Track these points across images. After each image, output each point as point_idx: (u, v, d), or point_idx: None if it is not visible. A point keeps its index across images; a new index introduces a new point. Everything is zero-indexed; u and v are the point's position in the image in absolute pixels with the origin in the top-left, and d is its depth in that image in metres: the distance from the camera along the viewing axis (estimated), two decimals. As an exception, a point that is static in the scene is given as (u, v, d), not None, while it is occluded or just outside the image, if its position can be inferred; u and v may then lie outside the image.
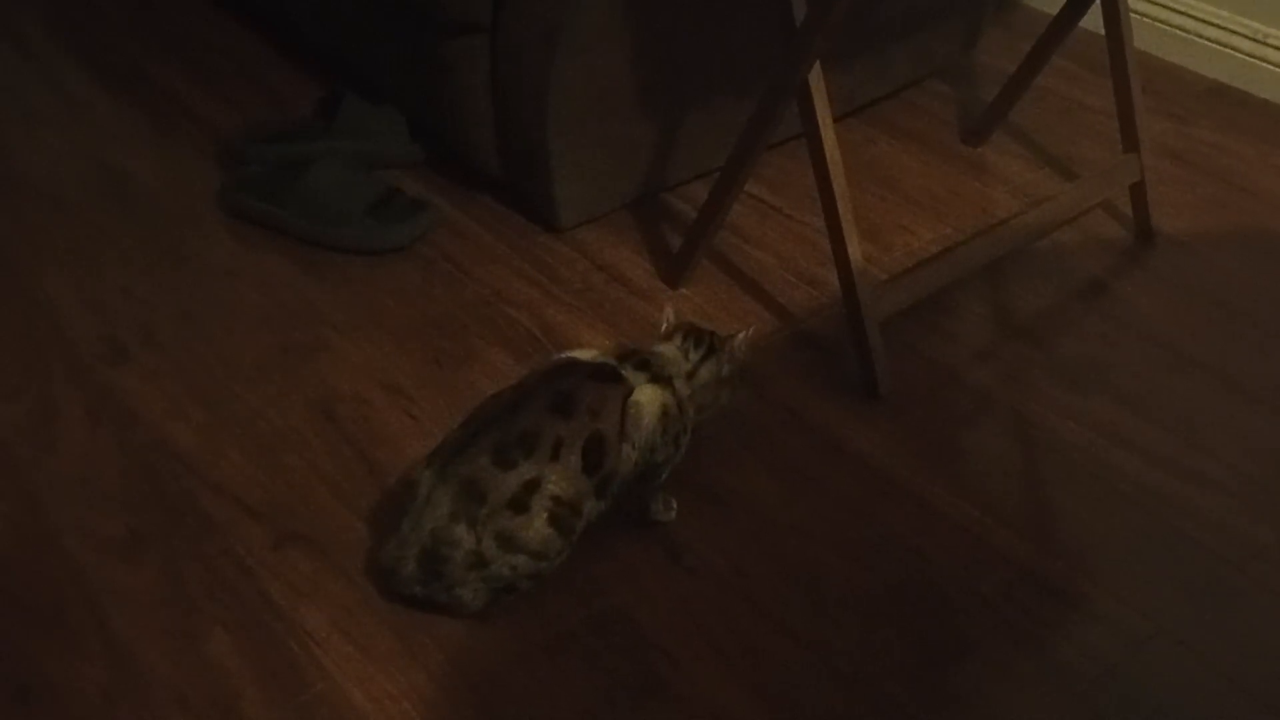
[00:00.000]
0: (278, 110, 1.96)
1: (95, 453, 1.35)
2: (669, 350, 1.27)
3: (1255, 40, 2.12)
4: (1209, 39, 2.18)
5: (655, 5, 1.58)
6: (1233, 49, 2.15)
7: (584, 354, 1.24)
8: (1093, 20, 1.69)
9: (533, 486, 1.13)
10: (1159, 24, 2.22)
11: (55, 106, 1.97)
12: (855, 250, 1.43)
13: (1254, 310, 1.65)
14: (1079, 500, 1.36)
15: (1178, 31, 2.21)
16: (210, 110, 1.95)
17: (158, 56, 2.09)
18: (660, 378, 1.23)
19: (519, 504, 1.12)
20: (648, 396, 1.20)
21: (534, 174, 1.66)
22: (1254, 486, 1.38)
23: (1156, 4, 2.22)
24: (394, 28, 1.77)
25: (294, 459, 1.36)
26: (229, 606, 1.19)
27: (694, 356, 1.27)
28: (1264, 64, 2.12)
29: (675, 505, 1.30)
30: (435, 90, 1.72)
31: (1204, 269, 1.72)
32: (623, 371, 1.21)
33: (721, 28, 1.67)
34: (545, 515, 1.14)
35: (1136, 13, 2.19)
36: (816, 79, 1.38)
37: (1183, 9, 2.20)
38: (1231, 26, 2.14)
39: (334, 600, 1.20)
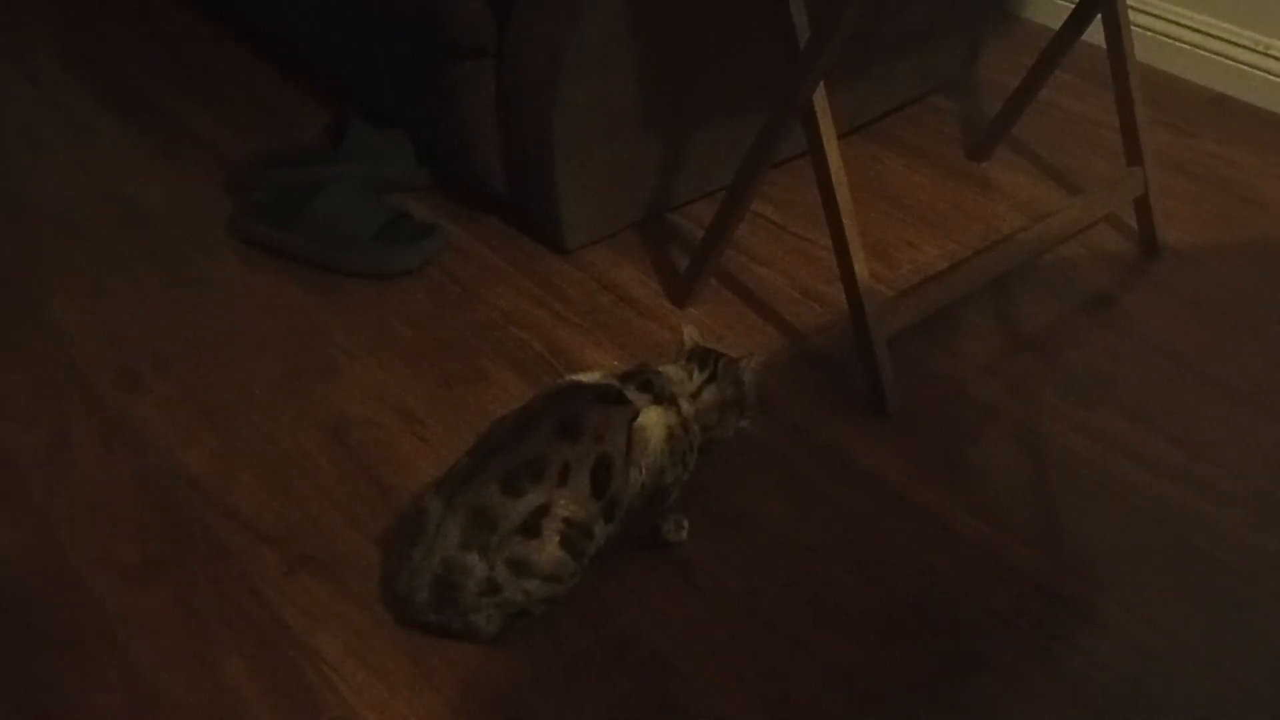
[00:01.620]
0: (285, 135, 1.98)
1: (109, 480, 1.36)
2: (673, 370, 1.28)
3: (1257, 51, 2.13)
4: (1211, 50, 2.18)
5: (659, 26, 1.59)
6: (1234, 60, 2.16)
7: (587, 376, 1.25)
8: (1094, 33, 1.70)
9: (542, 511, 1.13)
10: (1161, 36, 2.23)
11: (64, 133, 1.98)
12: (861, 268, 1.44)
13: (1260, 321, 1.65)
14: (1089, 514, 1.36)
15: (1179, 44, 2.22)
16: (218, 136, 1.97)
17: (166, 83, 2.11)
18: (663, 398, 1.23)
19: (530, 529, 1.13)
20: (652, 420, 1.21)
21: (540, 195, 1.67)
22: (1264, 498, 1.38)
23: (1158, 16, 2.23)
24: (399, 52, 1.78)
25: (306, 483, 1.36)
26: (243, 632, 1.20)
27: (698, 377, 1.27)
28: (1266, 75, 2.12)
29: (686, 526, 1.30)
30: (441, 113, 1.73)
31: (1209, 280, 1.72)
32: (626, 393, 1.22)
33: (725, 48, 1.68)
34: (557, 538, 1.14)
35: (1138, 26, 2.20)
36: (821, 99, 1.39)
37: (1184, 21, 2.21)
38: (1233, 38, 2.15)
39: (348, 625, 1.21)
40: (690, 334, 1.32)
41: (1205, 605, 1.26)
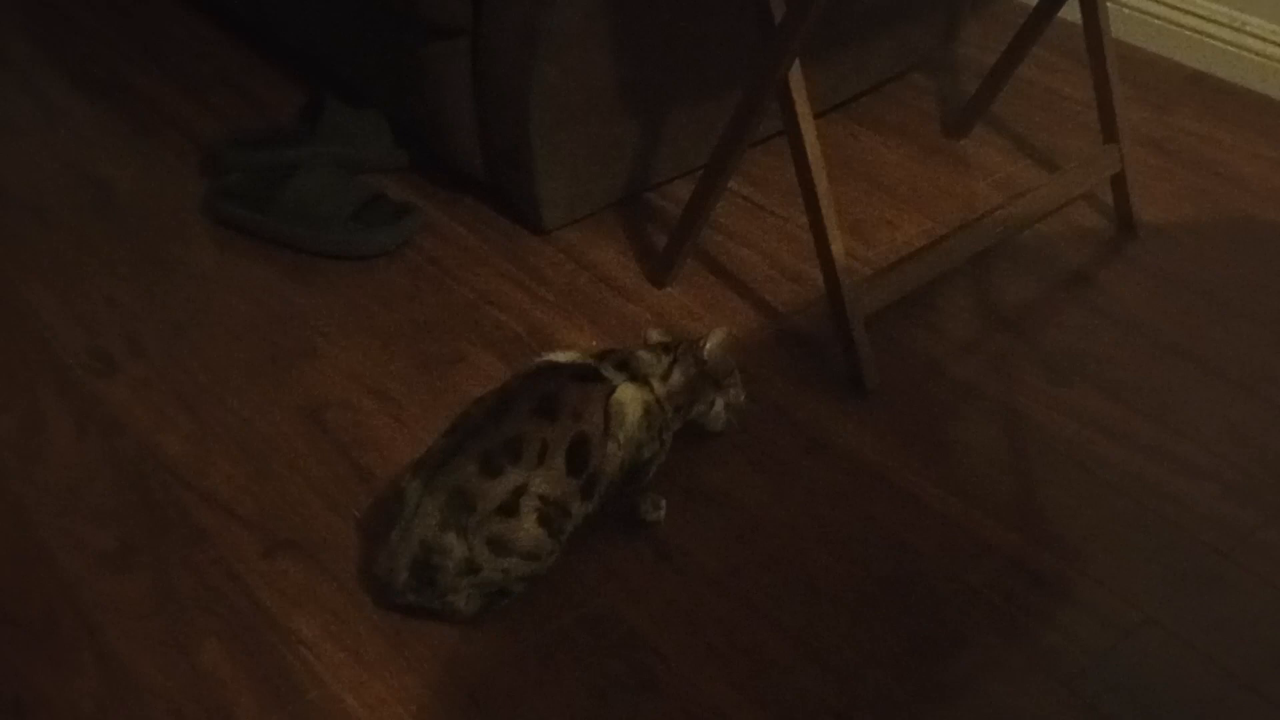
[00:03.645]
0: (260, 116, 1.96)
1: (84, 464, 1.35)
2: (646, 353, 1.28)
3: (1233, 28, 2.13)
4: (1187, 27, 2.19)
5: (635, 5, 1.59)
6: (1211, 37, 2.16)
7: (563, 356, 1.25)
8: (1072, 10, 1.70)
9: (521, 491, 1.13)
10: (1137, 13, 2.23)
11: (36, 116, 1.96)
12: (838, 246, 1.44)
13: (1236, 298, 1.66)
14: (1065, 490, 1.37)
15: (1156, 20, 2.22)
16: (192, 117, 1.95)
17: (138, 64, 2.09)
18: (638, 377, 1.24)
19: (508, 508, 1.13)
20: (629, 395, 1.21)
21: (517, 176, 1.66)
22: (1238, 472, 1.39)
23: (1135, -7, 2.23)
24: (375, 31, 1.77)
25: (283, 466, 1.36)
26: (221, 615, 1.20)
27: (665, 359, 1.28)
28: (1242, 51, 2.13)
29: (664, 504, 1.30)
30: (417, 93, 1.72)
31: (1186, 258, 1.73)
32: (603, 371, 1.22)
33: (701, 26, 1.67)
34: (535, 516, 1.14)
35: (1115, 2, 2.20)
36: (796, 76, 1.39)
37: (1161, -2, 2.21)
38: (1209, 14, 2.15)
39: (326, 607, 1.21)
40: (654, 335, 1.33)
41: (1178, 579, 1.27)
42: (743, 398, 1.35)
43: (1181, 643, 1.20)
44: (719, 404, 1.32)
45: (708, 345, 1.28)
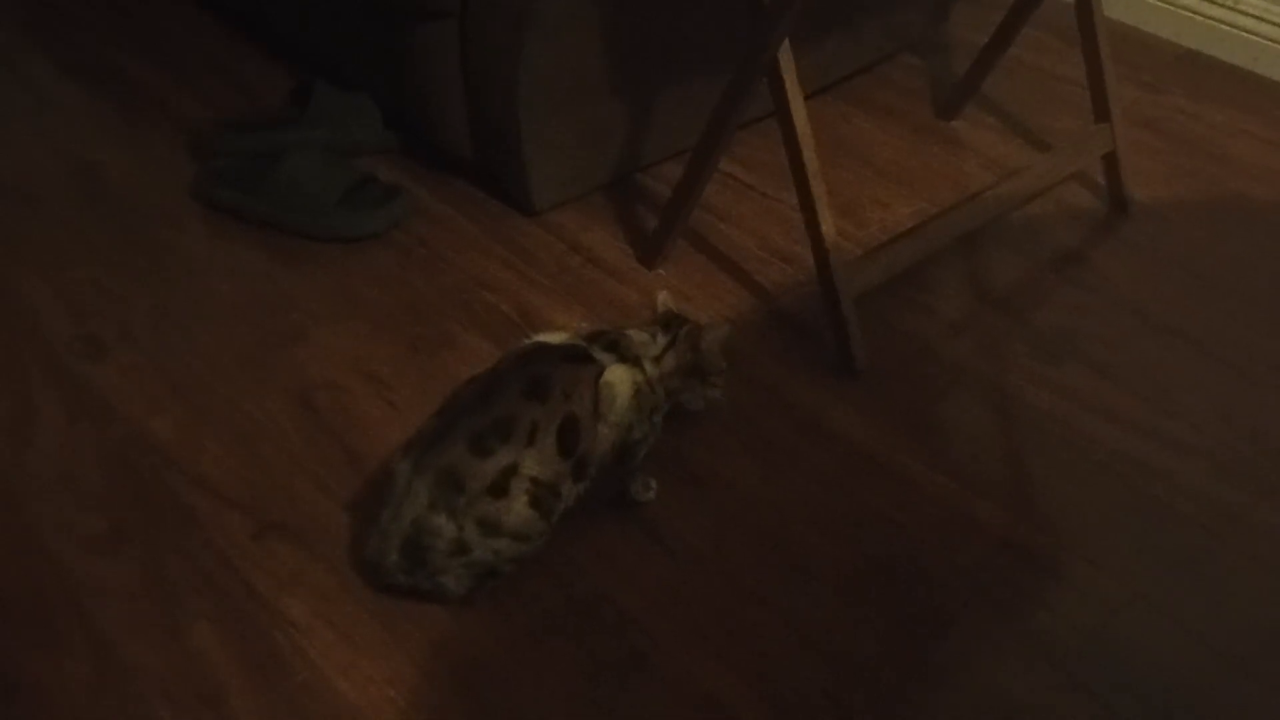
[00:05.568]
0: (249, 101, 1.95)
1: (74, 449, 1.35)
2: (638, 334, 1.28)
3: (1225, 6, 2.13)
4: (1179, 6, 2.18)
5: (624, -14, 1.58)
6: (1203, 15, 2.15)
7: (553, 337, 1.25)
8: (1062, -10, 1.69)
9: (511, 471, 1.13)
10: (1130, -8, 2.23)
11: (26, 103, 1.95)
12: (829, 227, 1.43)
13: (1226, 277, 1.66)
14: (1055, 469, 1.37)
15: (1148, -1, 2.22)
16: (182, 103, 1.94)
17: (128, 51, 2.08)
18: (628, 358, 1.24)
19: (498, 489, 1.13)
20: (619, 376, 1.21)
21: (507, 158, 1.66)
22: (1227, 451, 1.39)
23: (1127, -28, 2.23)
24: (364, 15, 1.76)
25: (273, 449, 1.36)
26: (211, 598, 1.20)
27: (662, 340, 1.28)
28: (1234, 29, 2.12)
29: (654, 485, 1.30)
30: (406, 76, 1.71)
31: (1177, 237, 1.73)
32: (593, 352, 1.22)
33: (691, 8, 1.67)
34: (525, 497, 1.14)
35: (1107, -19, 2.20)
36: (786, 57, 1.38)
37: (1153, -23, 2.20)
38: (1201, -7, 2.15)
39: (316, 589, 1.21)
40: (664, 299, 1.33)
41: (1166, 558, 1.27)
42: (719, 395, 1.35)
43: (1170, 620, 1.21)
44: (697, 397, 1.32)
45: (706, 339, 1.28)
